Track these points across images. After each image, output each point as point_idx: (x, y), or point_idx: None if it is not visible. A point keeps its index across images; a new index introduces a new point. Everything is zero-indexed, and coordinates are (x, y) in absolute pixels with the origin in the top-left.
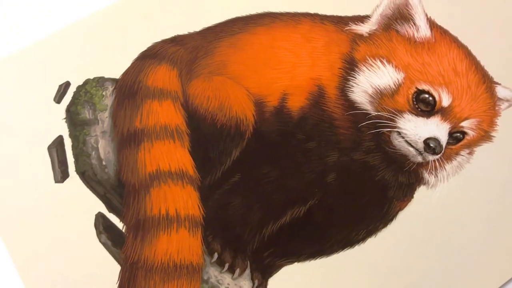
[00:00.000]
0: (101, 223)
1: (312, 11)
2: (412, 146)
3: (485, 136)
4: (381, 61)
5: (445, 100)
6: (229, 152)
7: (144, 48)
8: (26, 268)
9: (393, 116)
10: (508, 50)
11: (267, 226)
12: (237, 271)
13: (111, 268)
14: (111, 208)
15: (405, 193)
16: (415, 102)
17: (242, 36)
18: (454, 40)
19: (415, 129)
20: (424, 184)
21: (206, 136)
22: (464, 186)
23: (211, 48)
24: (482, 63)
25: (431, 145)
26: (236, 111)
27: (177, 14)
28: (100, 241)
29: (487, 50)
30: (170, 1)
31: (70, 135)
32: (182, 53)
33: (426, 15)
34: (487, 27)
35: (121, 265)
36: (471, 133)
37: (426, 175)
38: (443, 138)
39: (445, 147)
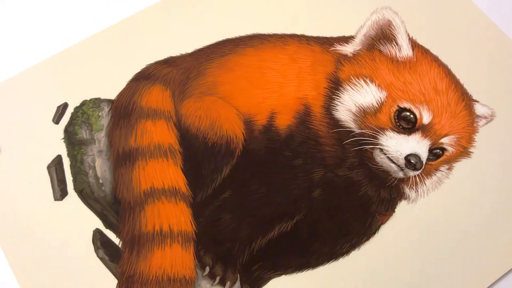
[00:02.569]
0: (99, 239)
1: (299, 33)
2: (394, 162)
3: (464, 152)
4: (365, 81)
5: (426, 117)
6: (220, 170)
7: (138, 69)
8: (28, 282)
9: (375, 134)
10: (486, 68)
11: (256, 241)
12: (228, 283)
13: (109, 282)
14: (108, 225)
15: (387, 208)
16: (396, 120)
17: (232, 57)
18: (435, 59)
19: (396, 145)
20: (405, 198)
21: (198, 154)
22: (443, 201)
23: (202, 69)
24: (462, 81)
25: (412, 161)
26: (226, 130)
27: (170, 36)
28: (97, 256)
29: (466, 69)
30: (162, 24)
31: (68, 155)
32: (174, 74)
33: (408, 35)
34: (466, 47)
35: (118, 279)
36: (450, 149)
37: (407, 190)
38: (424, 155)
39: (425, 163)
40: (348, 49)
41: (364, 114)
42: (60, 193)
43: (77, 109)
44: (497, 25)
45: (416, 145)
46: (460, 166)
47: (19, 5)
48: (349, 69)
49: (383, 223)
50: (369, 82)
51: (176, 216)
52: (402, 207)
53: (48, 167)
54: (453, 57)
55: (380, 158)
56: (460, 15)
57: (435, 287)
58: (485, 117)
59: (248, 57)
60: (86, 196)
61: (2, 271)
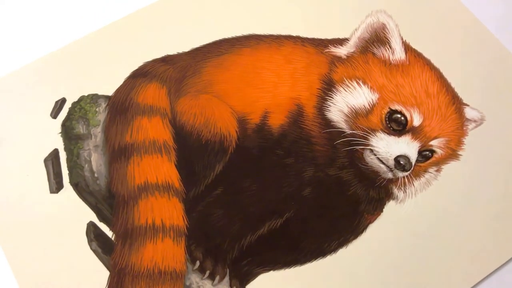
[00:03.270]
0: (92, 232)
1: (294, 34)
2: (383, 163)
3: (452, 154)
4: (357, 82)
5: (416, 120)
6: (213, 166)
7: (135, 67)
8: (22, 271)
9: (366, 135)
10: (478, 72)
11: (246, 237)
12: (217, 278)
13: (101, 274)
14: (101, 218)
15: (375, 207)
16: (387, 122)
17: (228, 56)
18: (427, 63)
19: (386, 147)
20: (394, 199)
21: (192, 151)
22: (431, 201)
23: (199, 68)
24: (453, 85)
25: (401, 162)
26: (220, 128)
27: (167, 35)
28: (91, 248)
29: (458, 73)
30: (160, 22)
31: (65, 149)
32: (171, 72)
33: (402, 38)
34: (459, 51)
35: (110, 270)
36: (439, 152)
37: (395, 190)
38: (413, 156)
39: (414, 164)
40: (342, 51)
41: (355, 115)
42: (56, 186)
43: (74, 104)
44: (490, 30)
45: (405, 146)
46: (449, 168)
47: (21, 3)
48: (342, 70)
49: (371, 222)
50: (361, 84)
51: (168, 211)
52: (390, 207)
53: (45, 161)
54: (445, 61)
55: (370, 158)
56: (454, 20)
57: (421, 285)
58: (475, 121)
59: (244, 57)
60: (81, 189)
61: None
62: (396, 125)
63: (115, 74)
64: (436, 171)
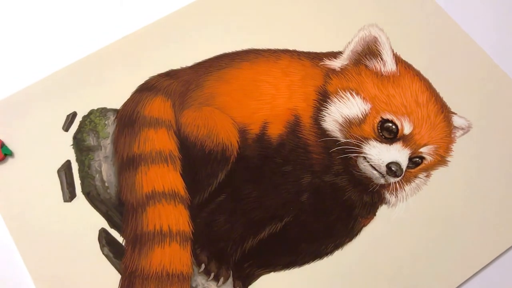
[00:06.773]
0: (104, 238)
1: (291, 48)
2: (376, 170)
3: (441, 161)
4: (351, 93)
5: (407, 128)
6: (216, 175)
7: (141, 81)
8: (39, 275)
9: (359, 143)
10: (465, 82)
11: (247, 240)
12: (221, 279)
13: (113, 277)
14: (112, 224)
15: (369, 211)
16: (379, 130)
17: (229, 70)
18: (417, 74)
19: (379, 154)
20: (386, 203)
21: (196, 160)
22: (421, 205)
23: (201, 82)
24: (441, 94)
25: (393, 168)
26: (222, 138)
27: (171, 50)
28: (103, 253)
29: (446, 83)
30: (164, 39)
31: (77, 160)
32: (175, 86)
33: (393, 51)
34: (446, 62)
35: (121, 274)
36: (429, 158)
37: (387, 195)
38: (404, 163)
39: (405, 170)
40: (336, 63)
41: (349, 125)
42: (69, 195)
43: (85, 117)
44: (475, 41)
45: (397, 154)
46: (438, 173)
47: (31, 19)
48: (336, 82)
49: (365, 225)
50: (355, 95)
51: (175, 217)
52: (382, 211)
53: (58, 171)
54: (434, 72)
55: (363, 165)
56: (442, 33)
57: (413, 284)
58: (462, 128)
59: (243, 70)
60: (93, 198)
61: (16, 267)
62: (388, 133)
63: (123, 88)
64: (426, 176)
